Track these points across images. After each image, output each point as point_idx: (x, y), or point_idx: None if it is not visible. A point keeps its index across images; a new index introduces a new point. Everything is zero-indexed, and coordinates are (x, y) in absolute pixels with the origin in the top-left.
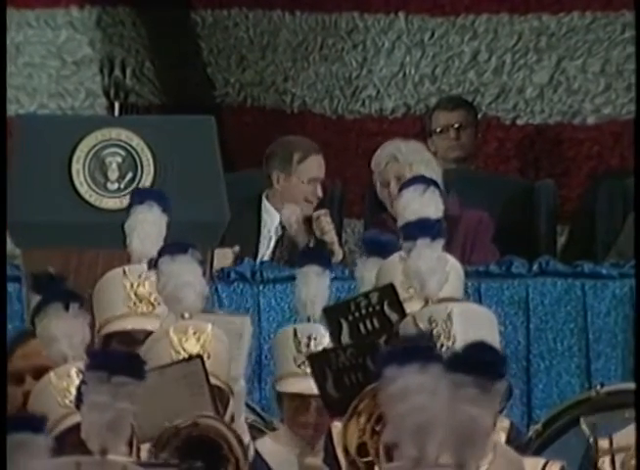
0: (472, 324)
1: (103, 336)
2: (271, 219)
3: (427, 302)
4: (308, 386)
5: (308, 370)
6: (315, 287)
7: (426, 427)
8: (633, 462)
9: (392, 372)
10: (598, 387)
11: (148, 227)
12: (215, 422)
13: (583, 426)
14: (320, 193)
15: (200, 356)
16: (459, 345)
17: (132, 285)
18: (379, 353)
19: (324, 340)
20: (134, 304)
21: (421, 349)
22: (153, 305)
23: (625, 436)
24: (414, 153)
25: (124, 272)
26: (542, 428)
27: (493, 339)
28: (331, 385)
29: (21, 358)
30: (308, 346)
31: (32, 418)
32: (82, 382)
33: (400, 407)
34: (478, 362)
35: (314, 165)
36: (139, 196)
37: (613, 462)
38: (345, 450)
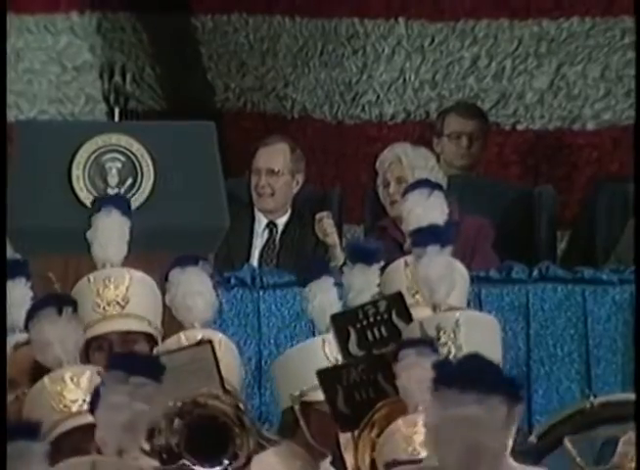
0: (476, 332)
1: (84, 344)
2: (259, 222)
3: (435, 309)
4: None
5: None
6: (332, 297)
7: (475, 460)
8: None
9: (451, 397)
10: (592, 398)
11: (107, 233)
12: (222, 403)
13: (568, 445)
14: (262, 183)
15: (210, 342)
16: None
17: (98, 291)
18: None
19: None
20: (103, 308)
21: (480, 378)
22: (122, 305)
23: None
24: (419, 158)
25: (89, 280)
26: (537, 440)
27: (496, 346)
28: (341, 401)
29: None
30: None
31: (28, 425)
32: (99, 385)
33: (453, 435)
34: (472, 376)
35: (259, 157)
36: (98, 204)
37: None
38: (357, 468)
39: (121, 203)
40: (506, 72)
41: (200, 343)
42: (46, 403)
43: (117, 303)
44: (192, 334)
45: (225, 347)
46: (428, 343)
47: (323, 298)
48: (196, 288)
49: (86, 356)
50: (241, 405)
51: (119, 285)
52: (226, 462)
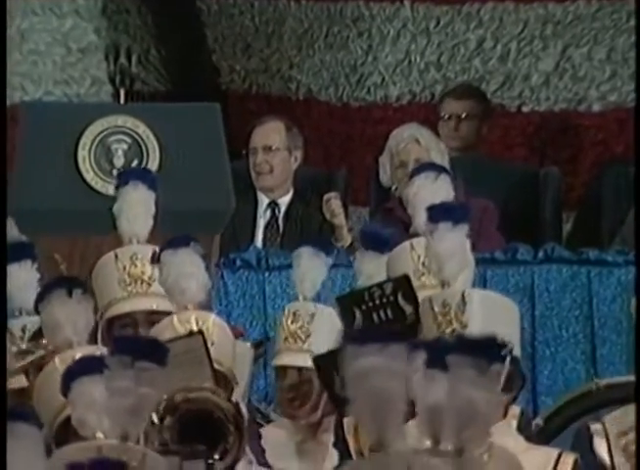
0: (490, 313)
1: (105, 321)
2: (261, 202)
3: (443, 285)
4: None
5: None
6: (305, 266)
7: (383, 409)
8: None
9: (353, 352)
10: (596, 381)
11: (135, 207)
12: (213, 395)
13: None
14: (259, 160)
15: (201, 332)
16: (472, 331)
17: (125, 267)
18: (341, 334)
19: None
20: (129, 285)
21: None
22: (148, 283)
23: (617, 418)
24: (432, 140)
25: (116, 256)
26: (543, 423)
27: (512, 330)
28: (339, 386)
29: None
30: (293, 322)
31: (22, 409)
32: (71, 366)
33: (359, 388)
34: (474, 343)
35: (255, 136)
36: (124, 177)
37: (609, 448)
38: (359, 450)
39: (148, 176)
40: (511, 55)
41: (191, 334)
42: (57, 384)
43: (144, 281)
44: (184, 316)
45: (218, 327)
46: None
47: (298, 268)
48: (188, 269)
49: (108, 334)
50: (234, 398)
51: (146, 263)
52: (216, 457)
